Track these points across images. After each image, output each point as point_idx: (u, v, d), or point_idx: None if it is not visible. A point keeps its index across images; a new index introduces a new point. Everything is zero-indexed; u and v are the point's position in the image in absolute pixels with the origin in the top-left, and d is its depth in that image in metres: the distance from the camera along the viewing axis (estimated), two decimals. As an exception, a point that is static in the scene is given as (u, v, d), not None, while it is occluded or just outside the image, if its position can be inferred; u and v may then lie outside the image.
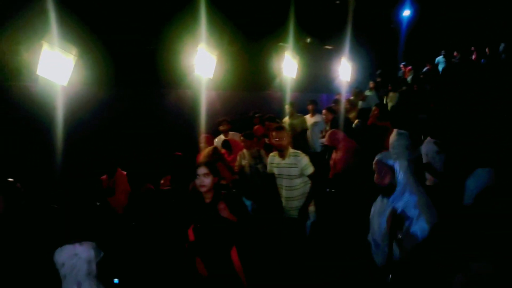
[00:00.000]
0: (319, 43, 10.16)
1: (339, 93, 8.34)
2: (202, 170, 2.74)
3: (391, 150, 3.85)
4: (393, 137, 4.59)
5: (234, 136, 5.73)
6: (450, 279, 1.80)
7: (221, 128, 5.84)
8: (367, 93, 9.21)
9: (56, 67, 4.95)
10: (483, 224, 1.85)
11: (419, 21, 12.82)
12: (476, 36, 11.63)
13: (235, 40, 7.60)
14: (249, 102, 7.81)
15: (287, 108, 6.68)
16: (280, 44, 8.73)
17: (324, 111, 6.15)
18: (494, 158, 3.13)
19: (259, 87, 8.57)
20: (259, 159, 4.68)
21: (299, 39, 9.14)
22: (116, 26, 5.74)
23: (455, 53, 11.08)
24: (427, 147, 4.10)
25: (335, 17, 10.11)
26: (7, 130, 4.61)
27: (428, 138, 4.17)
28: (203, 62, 6.78)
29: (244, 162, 4.76)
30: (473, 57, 10.35)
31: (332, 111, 6.14)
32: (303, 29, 9.05)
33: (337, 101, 7.21)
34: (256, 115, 6.37)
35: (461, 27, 12.41)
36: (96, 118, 5.30)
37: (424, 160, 4.10)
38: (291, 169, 3.73)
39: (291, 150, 3.81)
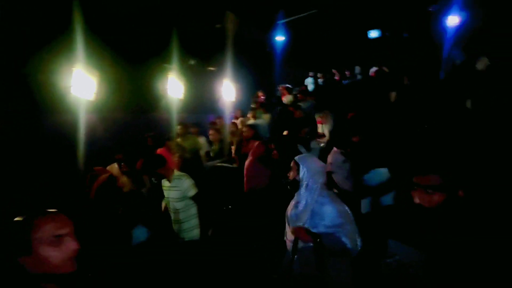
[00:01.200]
0: (202, 64, 10.46)
1: (219, 116, 8.55)
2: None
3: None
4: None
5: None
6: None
7: (117, 156, 5.50)
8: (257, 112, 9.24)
9: None
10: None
11: (292, 45, 14.15)
12: (338, 59, 13.43)
13: (116, 62, 7.37)
14: (135, 125, 7.59)
15: (178, 129, 6.62)
16: (165, 65, 8.74)
17: (211, 131, 6.34)
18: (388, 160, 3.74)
19: (145, 109, 8.41)
20: (141, 185, 4.61)
21: (183, 61, 9.27)
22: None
23: (319, 75, 12.58)
24: (333, 157, 4.47)
25: (217, 40, 10.55)
26: None
27: (334, 148, 4.57)
28: (81, 84, 6.40)
29: (126, 189, 4.62)
30: (337, 78, 11.91)
31: (219, 131, 6.38)
32: (186, 51, 9.22)
33: (212, 123, 7.46)
34: (150, 134, 6.25)
35: (326, 52, 14.17)
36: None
37: (328, 169, 4.49)
38: (175, 192, 3.83)
39: (176, 173, 3.91)
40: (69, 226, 1.40)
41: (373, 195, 3.89)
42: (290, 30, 13.69)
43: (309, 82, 12.52)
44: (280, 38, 13.75)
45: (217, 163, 5.87)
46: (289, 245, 2.72)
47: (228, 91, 10.79)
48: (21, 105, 5.75)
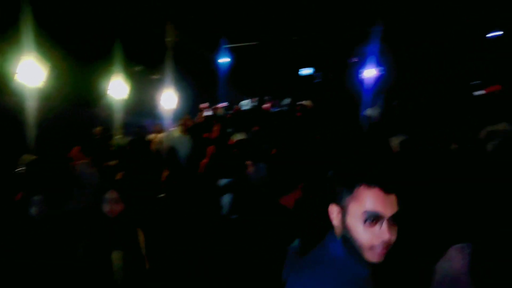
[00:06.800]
0: (147, 71, 11.21)
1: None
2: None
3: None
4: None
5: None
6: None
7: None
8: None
9: None
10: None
11: (234, 69, 15.38)
12: (274, 89, 14.92)
13: (65, 58, 7.93)
14: (79, 117, 8.17)
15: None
16: (111, 67, 9.41)
17: None
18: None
19: (89, 104, 9.00)
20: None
21: (128, 65, 9.98)
22: None
23: (253, 99, 13.99)
24: None
25: (161, 51, 11.40)
26: None
27: None
28: (29, 72, 6.90)
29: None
30: (267, 105, 13.28)
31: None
32: (131, 58, 9.95)
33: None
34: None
35: (264, 80, 15.66)
36: None
37: None
38: None
39: None
40: None
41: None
42: (234, 54, 14.98)
43: (244, 104, 13.80)
44: (224, 60, 14.96)
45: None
46: None
47: (168, 99, 11.61)
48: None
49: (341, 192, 1.29)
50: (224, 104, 13.86)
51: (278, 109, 12.57)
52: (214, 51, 14.52)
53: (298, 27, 12.99)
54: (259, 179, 3.82)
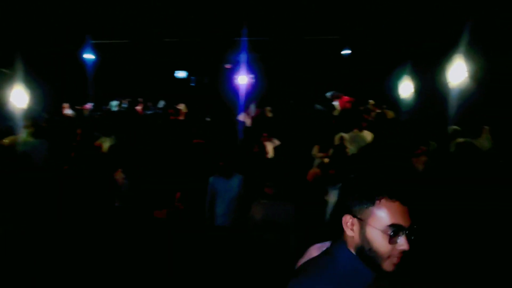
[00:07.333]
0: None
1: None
2: None
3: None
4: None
5: None
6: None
7: None
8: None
9: None
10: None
11: (102, 67, 14.13)
12: (146, 91, 14.25)
13: None
14: None
15: None
16: None
17: None
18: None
19: None
20: None
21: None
22: None
23: (124, 100, 13.16)
24: None
25: (13, 40, 9.86)
26: None
27: None
28: None
29: None
30: (139, 107, 12.60)
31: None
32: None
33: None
34: None
35: (137, 81, 14.86)
36: None
37: None
38: None
39: None
40: None
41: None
42: (103, 52, 13.81)
43: (113, 105, 12.82)
44: (89, 56, 13.62)
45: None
46: None
47: (18, 97, 10.03)
48: None
49: (358, 204, 1.31)
50: (90, 104, 12.64)
51: (152, 112, 12.02)
52: (79, 47, 13.12)
53: (171, 30, 12.72)
54: (131, 190, 3.56)
